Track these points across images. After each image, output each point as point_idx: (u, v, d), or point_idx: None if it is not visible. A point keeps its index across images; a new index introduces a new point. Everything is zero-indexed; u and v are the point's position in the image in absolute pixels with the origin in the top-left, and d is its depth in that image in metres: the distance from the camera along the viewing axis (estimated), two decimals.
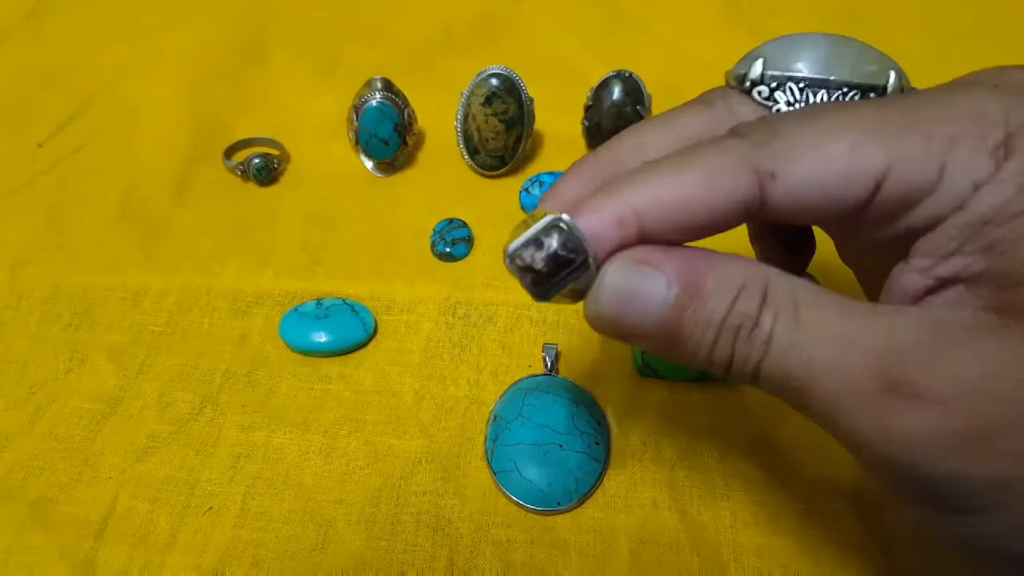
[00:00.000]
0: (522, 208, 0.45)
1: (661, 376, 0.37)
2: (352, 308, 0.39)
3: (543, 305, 0.40)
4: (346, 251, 0.43)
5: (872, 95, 0.24)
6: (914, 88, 0.25)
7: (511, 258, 0.21)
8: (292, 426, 0.36)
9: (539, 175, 0.46)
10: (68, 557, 0.32)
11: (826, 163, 0.21)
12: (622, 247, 0.22)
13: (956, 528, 0.20)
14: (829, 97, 0.24)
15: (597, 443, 0.34)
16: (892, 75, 0.24)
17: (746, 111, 0.25)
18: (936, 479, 0.19)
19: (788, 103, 0.25)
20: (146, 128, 0.51)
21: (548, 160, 0.49)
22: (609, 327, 0.23)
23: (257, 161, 0.46)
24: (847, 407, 0.20)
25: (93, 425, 0.36)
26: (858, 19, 0.58)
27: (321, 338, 0.38)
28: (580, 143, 0.49)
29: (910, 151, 0.20)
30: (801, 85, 0.25)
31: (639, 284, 0.22)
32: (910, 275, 0.22)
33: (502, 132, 0.45)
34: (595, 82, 0.47)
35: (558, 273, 0.21)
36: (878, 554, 0.32)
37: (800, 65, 0.25)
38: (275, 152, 0.48)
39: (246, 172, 0.47)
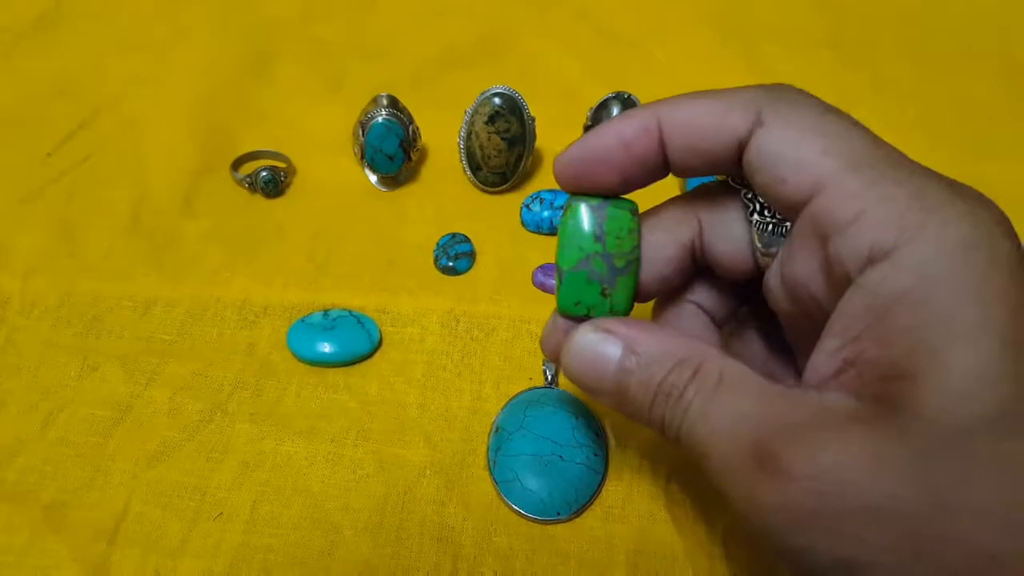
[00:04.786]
0: (522, 224, 0.46)
1: None
2: (358, 320, 0.40)
3: (543, 321, 0.41)
4: (351, 263, 0.44)
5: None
6: None
7: None
8: (299, 434, 0.37)
9: (539, 192, 0.47)
10: (81, 561, 0.33)
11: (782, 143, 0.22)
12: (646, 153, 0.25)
13: None
14: None
15: (596, 455, 0.35)
16: None
17: None
18: (791, 550, 0.20)
19: None
20: (154, 139, 0.51)
21: (548, 177, 0.50)
22: (576, 382, 0.26)
23: (264, 174, 0.47)
24: (728, 475, 0.22)
25: (104, 431, 0.37)
26: (847, 45, 0.60)
27: (327, 349, 0.39)
28: None
29: (848, 183, 0.21)
30: None
31: (599, 346, 0.25)
32: (821, 356, 0.23)
33: (504, 150, 0.47)
34: (594, 102, 0.48)
35: None
36: None
37: None
38: (282, 165, 0.49)
39: (253, 184, 0.48)
